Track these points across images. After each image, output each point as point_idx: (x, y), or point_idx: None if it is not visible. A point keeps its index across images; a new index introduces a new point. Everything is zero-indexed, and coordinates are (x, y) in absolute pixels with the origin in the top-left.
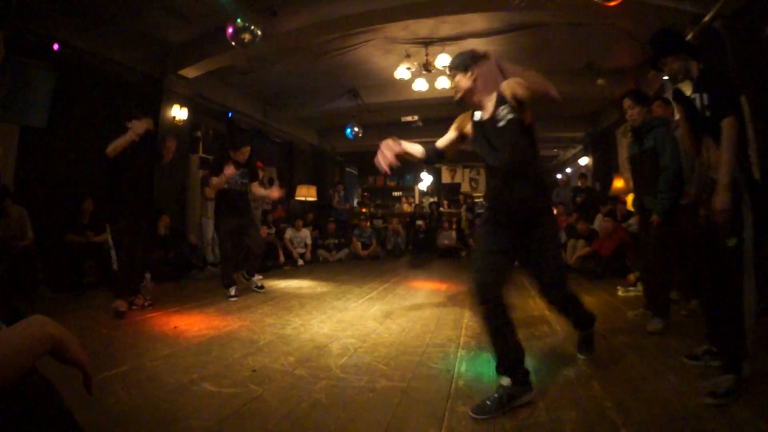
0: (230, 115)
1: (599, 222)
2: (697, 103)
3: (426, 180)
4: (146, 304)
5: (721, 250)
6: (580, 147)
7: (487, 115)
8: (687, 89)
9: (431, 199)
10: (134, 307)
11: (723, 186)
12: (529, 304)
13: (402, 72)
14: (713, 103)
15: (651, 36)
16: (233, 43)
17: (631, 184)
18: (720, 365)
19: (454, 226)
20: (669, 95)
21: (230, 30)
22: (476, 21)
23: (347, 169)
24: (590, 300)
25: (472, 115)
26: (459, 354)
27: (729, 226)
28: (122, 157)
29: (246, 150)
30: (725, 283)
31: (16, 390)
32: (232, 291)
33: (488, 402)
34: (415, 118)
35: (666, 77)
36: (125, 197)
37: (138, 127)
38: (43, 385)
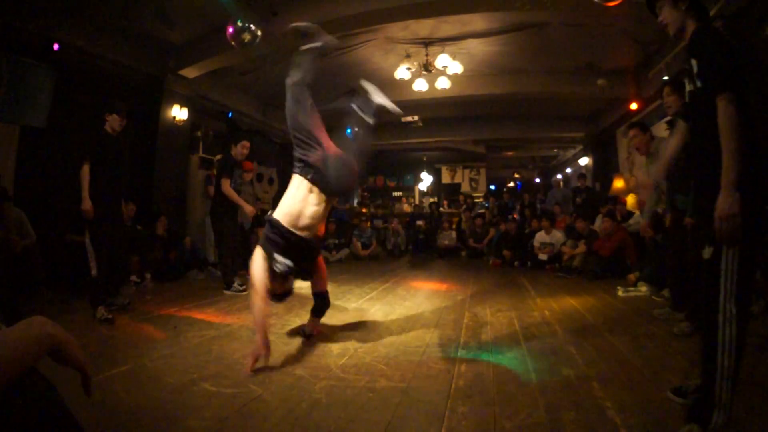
0: (230, 115)
1: (599, 222)
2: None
3: (426, 180)
4: (126, 302)
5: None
6: (580, 147)
7: None
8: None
9: (431, 199)
10: (113, 308)
11: (727, 183)
12: (529, 304)
13: (402, 72)
14: (703, 72)
15: None
16: (233, 44)
17: (631, 184)
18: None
19: (454, 226)
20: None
21: (230, 30)
22: (476, 21)
23: None
24: (590, 300)
25: None
26: (459, 354)
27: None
28: (101, 157)
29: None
30: (707, 306)
31: (16, 390)
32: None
33: None
34: (415, 118)
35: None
36: (104, 198)
37: (113, 122)
38: (43, 385)
